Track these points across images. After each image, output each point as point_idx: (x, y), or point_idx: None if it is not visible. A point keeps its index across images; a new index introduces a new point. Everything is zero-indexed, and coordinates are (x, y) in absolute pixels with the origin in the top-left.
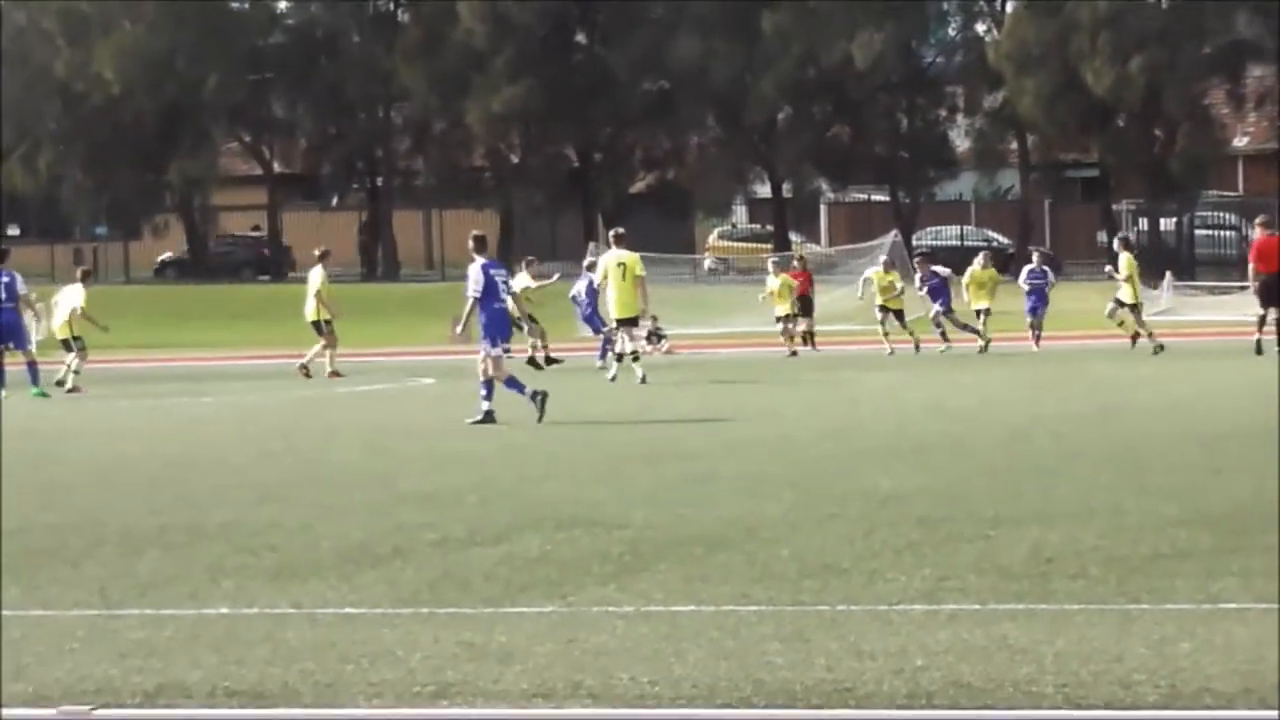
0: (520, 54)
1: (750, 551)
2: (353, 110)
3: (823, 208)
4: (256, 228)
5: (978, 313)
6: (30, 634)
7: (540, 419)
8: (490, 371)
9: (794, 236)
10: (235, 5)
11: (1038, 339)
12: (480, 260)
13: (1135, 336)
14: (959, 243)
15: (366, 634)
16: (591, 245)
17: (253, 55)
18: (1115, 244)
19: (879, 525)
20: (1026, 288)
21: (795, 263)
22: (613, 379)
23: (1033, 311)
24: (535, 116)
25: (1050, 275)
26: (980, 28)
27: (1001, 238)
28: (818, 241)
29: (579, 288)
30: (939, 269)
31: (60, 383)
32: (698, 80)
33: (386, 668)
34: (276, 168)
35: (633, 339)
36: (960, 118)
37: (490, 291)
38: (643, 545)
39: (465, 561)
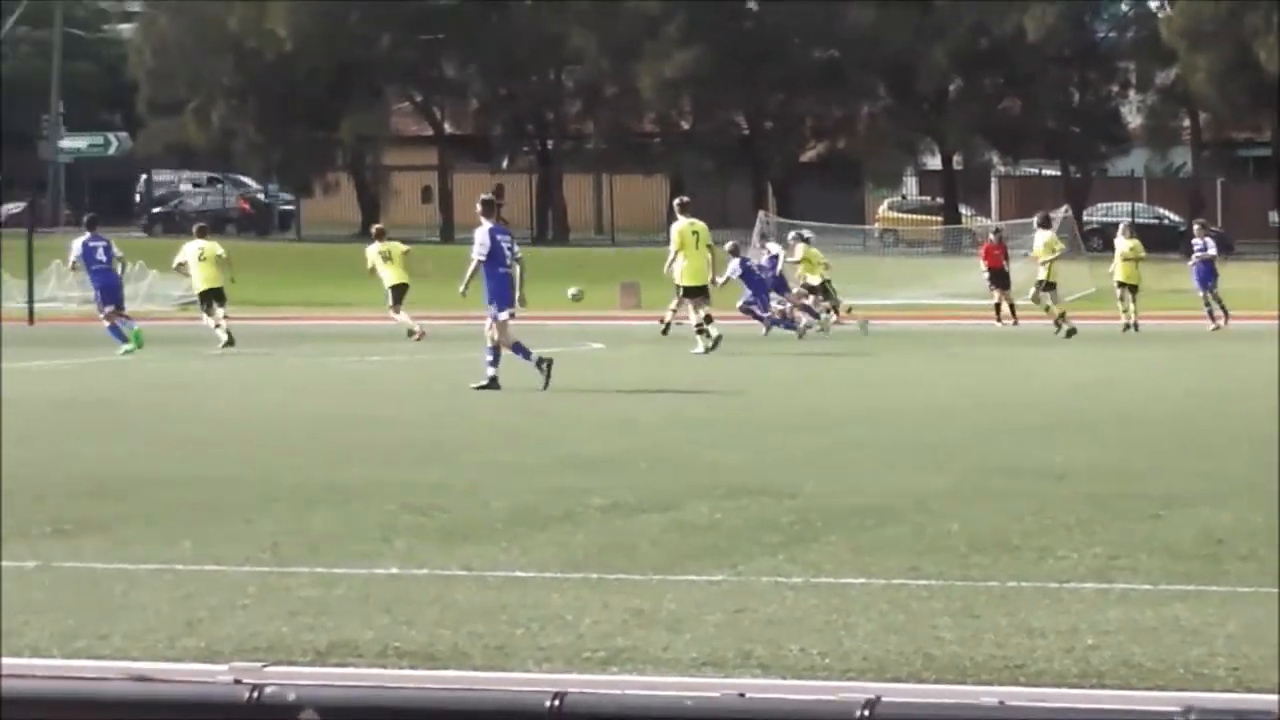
0: (692, 19)
1: (919, 524)
2: (524, 72)
3: (993, 181)
4: (427, 189)
5: (1122, 288)
6: (203, 589)
7: (545, 386)
8: (496, 337)
9: (964, 209)
10: None
11: (1215, 315)
12: (487, 225)
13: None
14: (1130, 219)
15: (536, 598)
16: (761, 214)
17: (425, 14)
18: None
19: (1049, 501)
20: (1191, 263)
21: (991, 235)
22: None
23: (1202, 284)
24: (706, 82)
25: (1210, 246)
26: (1153, 3)
27: (1173, 215)
28: (987, 215)
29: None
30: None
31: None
32: (868, 49)
33: (556, 632)
34: (447, 128)
35: (698, 309)
36: (1132, 93)
37: (495, 257)
38: (812, 515)
39: (634, 527)
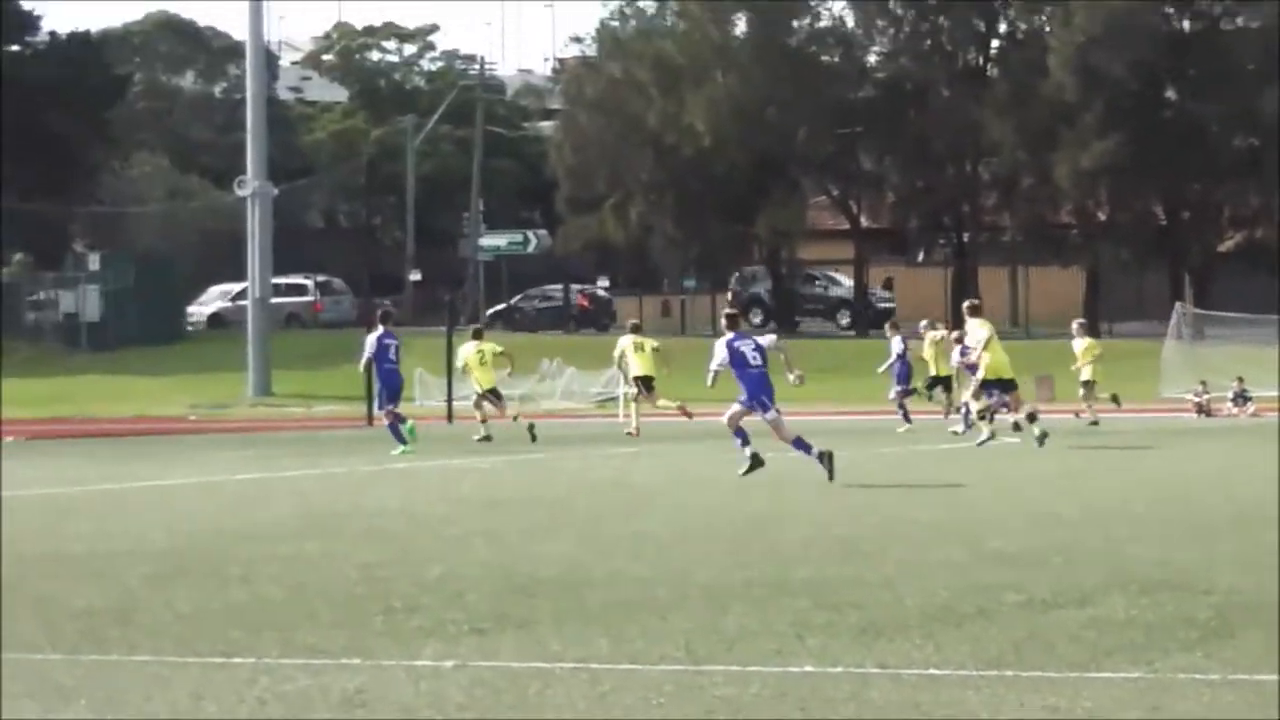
0: (1109, 108)
1: None
2: (941, 164)
3: None
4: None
5: None
6: (619, 687)
7: (831, 478)
8: (727, 422)
9: None
10: (825, 58)
11: None
12: (727, 336)
13: None
14: None
15: (950, 695)
16: (1178, 305)
17: (841, 108)
18: None
19: None
20: None
21: None
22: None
23: None
24: (1123, 172)
25: None
26: None
27: None
28: None
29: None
30: None
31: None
32: None
33: None
34: (864, 222)
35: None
36: None
37: (737, 361)
38: (1229, 611)
39: (1050, 623)
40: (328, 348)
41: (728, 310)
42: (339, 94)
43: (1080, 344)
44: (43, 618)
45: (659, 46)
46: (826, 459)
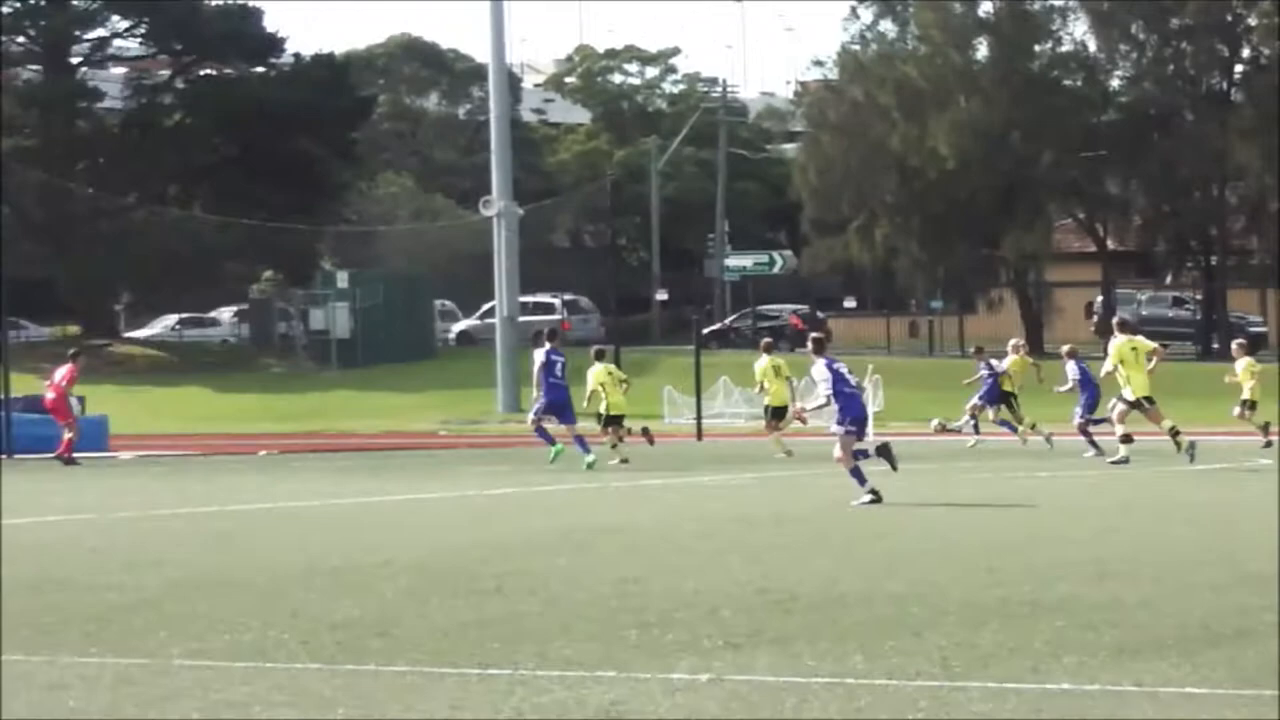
0: None
1: None
2: (1187, 188)
3: None
4: (1089, 304)
5: None
6: (875, 703)
7: (895, 469)
8: (837, 454)
9: None
10: (1069, 83)
11: None
12: (821, 361)
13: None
14: None
15: (1207, 714)
16: None
17: (1087, 133)
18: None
19: None
20: None
21: None
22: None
23: None
24: None
25: None
26: None
27: None
28: None
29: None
30: None
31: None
32: None
33: None
34: (1110, 245)
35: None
36: None
37: (838, 382)
38: None
39: None
40: (577, 366)
41: (814, 335)
42: (581, 116)
43: (1241, 364)
44: (301, 629)
45: (901, 70)
46: (885, 451)
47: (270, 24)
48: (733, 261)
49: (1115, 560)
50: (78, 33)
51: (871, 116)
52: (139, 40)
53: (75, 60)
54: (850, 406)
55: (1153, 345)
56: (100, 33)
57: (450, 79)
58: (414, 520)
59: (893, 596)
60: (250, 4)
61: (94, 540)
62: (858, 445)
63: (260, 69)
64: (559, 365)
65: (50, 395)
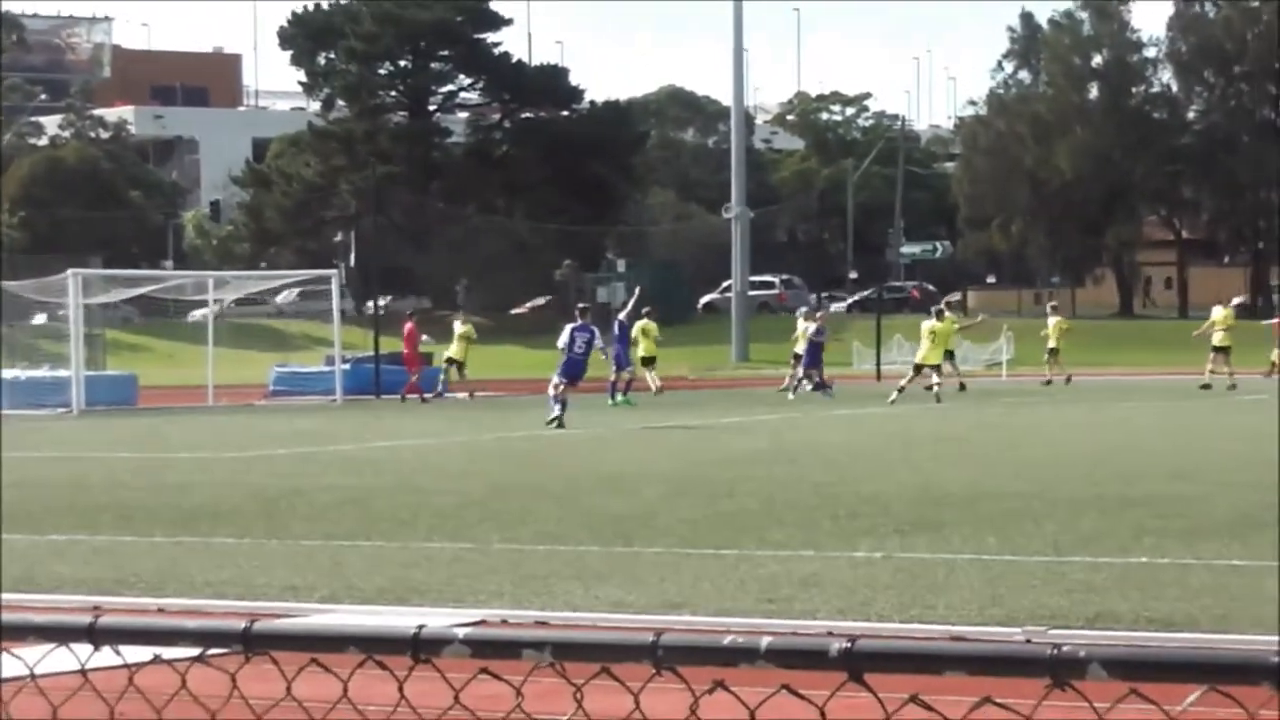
0: None
1: None
2: (1242, 191)
3: None
4: (1168, 279)
5: None
6: (1003, 574)
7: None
8: None
9: None
10: (1156, 115)
11: None
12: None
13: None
14: None
15: (1252, 582)
16: None
17: (1169, 150)
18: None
19: None
20: None
21: None
22: None
23: None
24: None
25: None
26: None
27: None
28: None
29: None
30: None
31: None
32: None
33: (1266, 606)
34: (1184, 234)
35: None
36: None
37: None
38: None
39: None
40: (788, 327)
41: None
42: (798, 144)
43: (1219, 311)
44: (586, 521)
45: (1034, 108)
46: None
47: (574, 79)
48: (906, 249)
49: (1184, 467)
50: (434, 87)
51: (1011, 142)
52: (478, 92)
53: (431, 108)
54: None
55: None
56: (450, 87)
57: (703, 118)
58: (666, 443)
59: (1018, 494)
60: (560, 65)
61: (436, 458)
62: None
63: (566, 112)
64: (580, 341)
65: (404, 350)
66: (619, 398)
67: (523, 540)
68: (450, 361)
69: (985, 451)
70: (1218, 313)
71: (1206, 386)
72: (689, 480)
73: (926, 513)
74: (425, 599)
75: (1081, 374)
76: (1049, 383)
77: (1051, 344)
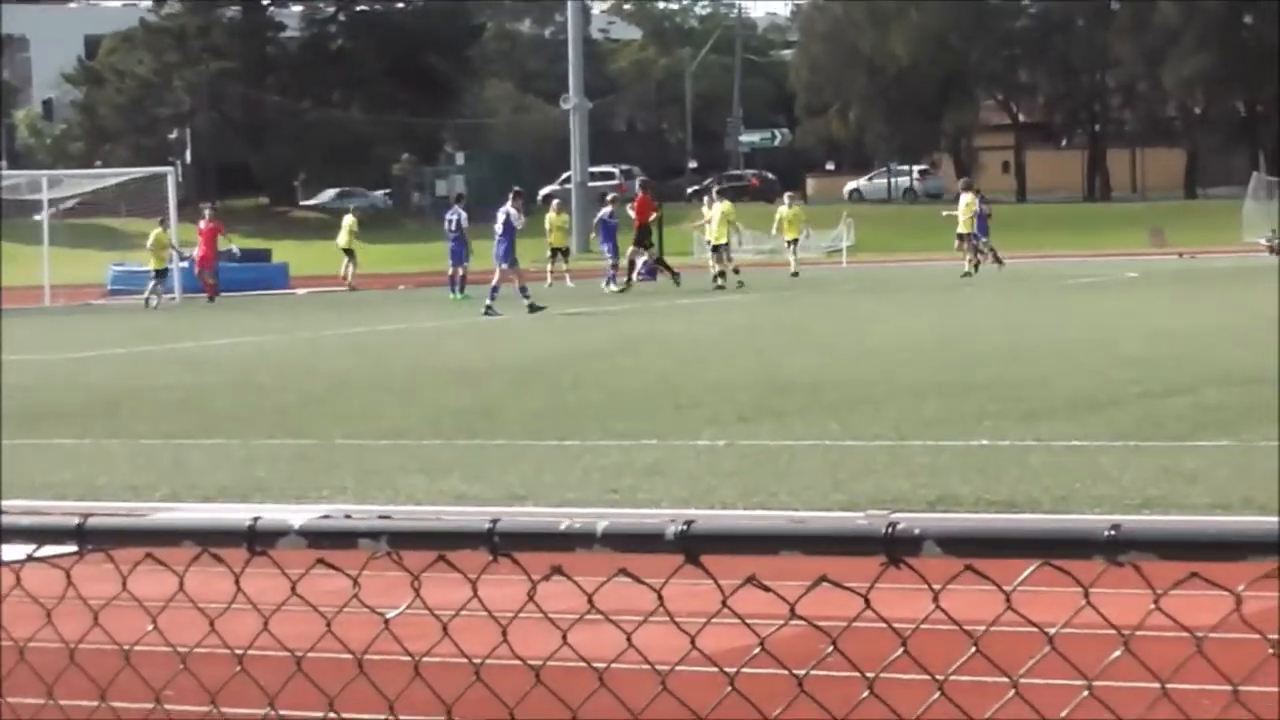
0: (1204, 30)
1: None
2: (1077, 75)
3: None
4: (1005, 163)
5: None
6: (845, 459)
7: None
8: None
9: None
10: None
11: None
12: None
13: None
14: None
15: (1089, 461)
16: (1255, 174)
17: (1005, 34)
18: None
19: None
20: None
21: None
22: None
23: None
24: (1214, 78)
25: None
26: None
27: None
28: None
29: None
30: None
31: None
32: None
33: (1104, 485)
34: (1021, 118)
35: None
36: None
37: None
38: None
39: (1162, 407)
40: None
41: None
42: (635, 33)
43: (965, 199)
44: (428, 414)
45: None
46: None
47: None
48: (745, 138)
49: (1022, 349)
50: None
51: (848, 28)
52: None
53: (265, 1)
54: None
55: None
56: None
57: (539, 8)
58: (509, 336)
59: (861, 380)
60: None
61: (277, 355)
62: None
63: (401, 4)
64: (453, 222)
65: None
66: (459, 293)
67: (365, 435)
68: (347, 252)
69: (828, 338)
70: (965, 200)
71: (968, 274)
72: (531, 372)
73: (769, 400)
74: (268, 496)
75: (912, 261)
76: (970, 273)
77: (961, 229)
